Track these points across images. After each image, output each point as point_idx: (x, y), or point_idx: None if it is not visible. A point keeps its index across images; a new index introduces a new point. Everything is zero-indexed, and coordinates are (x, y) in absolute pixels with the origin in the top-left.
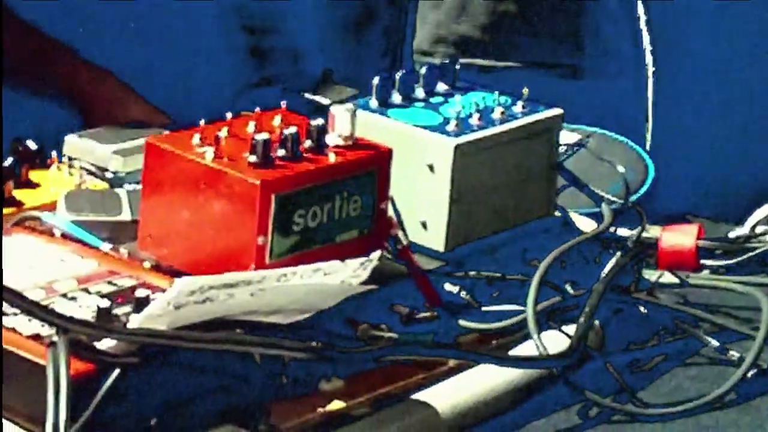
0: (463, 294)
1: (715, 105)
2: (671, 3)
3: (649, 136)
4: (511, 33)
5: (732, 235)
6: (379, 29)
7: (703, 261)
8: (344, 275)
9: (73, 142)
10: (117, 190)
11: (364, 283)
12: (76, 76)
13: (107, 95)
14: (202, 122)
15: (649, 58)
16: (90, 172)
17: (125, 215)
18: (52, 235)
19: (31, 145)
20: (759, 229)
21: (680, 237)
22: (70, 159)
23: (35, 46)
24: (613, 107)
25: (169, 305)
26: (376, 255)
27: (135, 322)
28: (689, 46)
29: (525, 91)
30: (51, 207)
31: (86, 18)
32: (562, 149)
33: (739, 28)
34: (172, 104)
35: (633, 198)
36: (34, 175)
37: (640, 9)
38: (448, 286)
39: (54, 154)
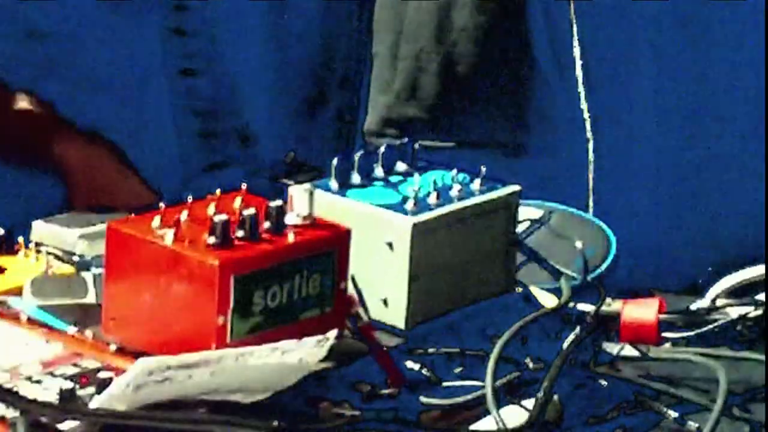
0: (424, 371)
1: (668, 178)
2: (611, 76)
3: (590, 209)
4: (458, 114)
5: (693, 307)
6: (332, 111)
7: (664, 333)
8: (302, 354)
9: (40, 228)
10: (83, 273)
11: (322, 360)
12: (71, 153)
13: (101, 175)
14: (162, 205)
15: (589, 134)
16: (57, 257)
17: (90, 299)
18: (18, 319)
19: None
20: (719, 302)
21: (641, 310)
22: (36, 244)
23: (32, 118)
24: (560, 182)
25: (128, 386)
26: (332, 334)
27: (96, 403)
28: (631, 120)
29: (482, 168)
30: (18, 292)
31: None
32: (525, 225)
33: (679, 100)
34: None
35: (595, 273)
36: (1, 261)
37: (580, 84)
38: (409, 363)
39: (21, 239)
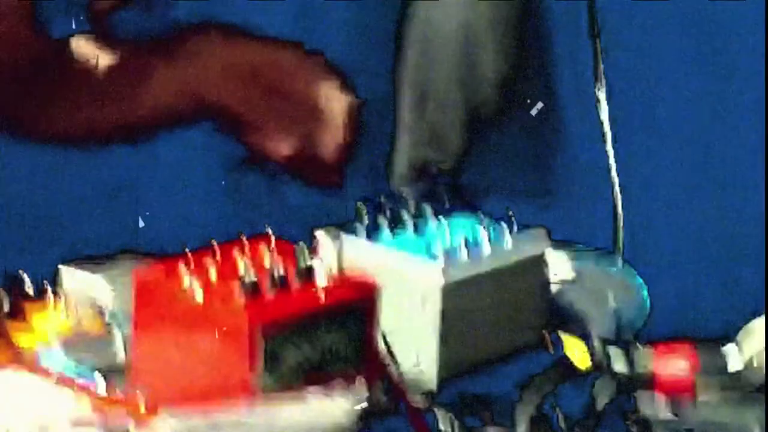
0: (455, 426)
1: (696, 221)
2: (637, 126)
3: (620, 258)
4: (484, 161)
5: (726, 360)
6: (364, 158)
7: (696, 386)
8: (331, 412)
9: (68, 275)
10: (111, 327)
11: (352, 419)
12: None
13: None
14: (188, 252)
15: (615, 179)
16: (86, 310)
17: (118, 353)
18: (47, 374)
19: (27, 281)
20: (750, 354)
21: (675, 364)
22: (64, 295)
23: None
24: (587, 228)
25: None
26: (363, 397)
27: None
28: (655, 163)
29: (511, 215)
30: (47, 346)
31: None
32: (556, 282)
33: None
34: (160, 233)
35: (628, 331)
36: (30, 312)
37: (607, 128)
38: (438, 416)
39: (50, 290)
